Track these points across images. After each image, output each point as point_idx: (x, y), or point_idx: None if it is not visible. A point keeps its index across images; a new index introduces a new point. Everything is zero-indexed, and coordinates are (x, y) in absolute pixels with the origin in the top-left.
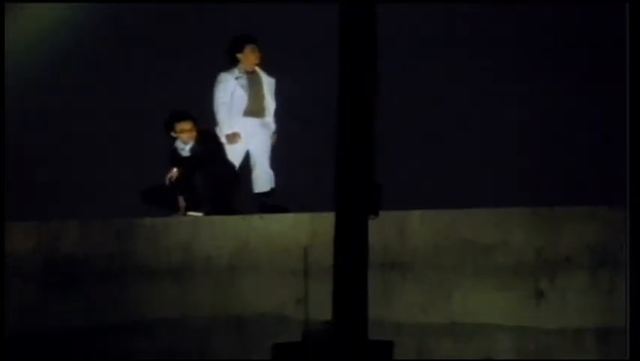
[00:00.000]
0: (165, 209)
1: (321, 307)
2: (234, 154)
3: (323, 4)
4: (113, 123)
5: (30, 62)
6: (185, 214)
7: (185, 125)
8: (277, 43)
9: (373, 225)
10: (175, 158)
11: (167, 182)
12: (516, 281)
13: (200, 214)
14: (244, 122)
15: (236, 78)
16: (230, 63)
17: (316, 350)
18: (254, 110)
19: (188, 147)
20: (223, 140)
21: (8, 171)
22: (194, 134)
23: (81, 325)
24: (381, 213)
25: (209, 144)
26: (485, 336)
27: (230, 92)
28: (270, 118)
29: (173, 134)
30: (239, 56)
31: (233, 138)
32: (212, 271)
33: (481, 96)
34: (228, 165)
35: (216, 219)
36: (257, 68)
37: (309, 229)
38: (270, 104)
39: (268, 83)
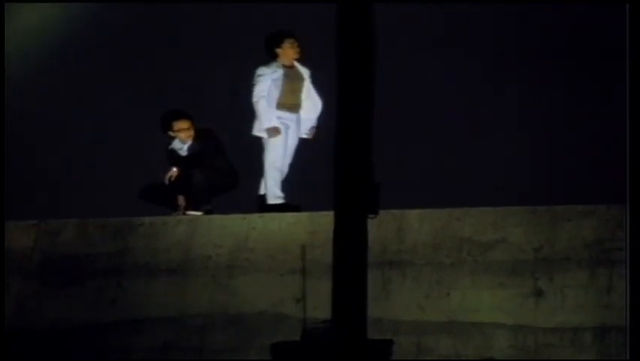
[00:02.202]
0: (164, 208)
1: (320, 306)
2: (275, 148)
3: (322, 4)
4: (112, 122)
5: (29, 62)
6: (184, 213)
7: (183, 124)
8: None
9: (372, 223)
10: (173, 157)
11: (166, 181)
12: (514, 279)
13: (199, 213)
14: (280, 115)
15: (273, 72)
16: (269, 58)
17: (315, 349)
18: (289, 104)
19: (186, 146)
20: (263, 134)
21: (7, 170)
22: (192, 133)
23: (79, 323)
24: (380, 211)
25: (208, 142)
26: (484, 334)
27: (267, 86)
28: (307, 114)
29: (170, 133)
30: (277, 50)
31: (273, 131)
32: (211, 269)
33: (479, 95)
34: (228, 163)
35: (215, 218)
36: (296, 63)
37: (309, 228)
38: (309, 98)
39: (309, 77)
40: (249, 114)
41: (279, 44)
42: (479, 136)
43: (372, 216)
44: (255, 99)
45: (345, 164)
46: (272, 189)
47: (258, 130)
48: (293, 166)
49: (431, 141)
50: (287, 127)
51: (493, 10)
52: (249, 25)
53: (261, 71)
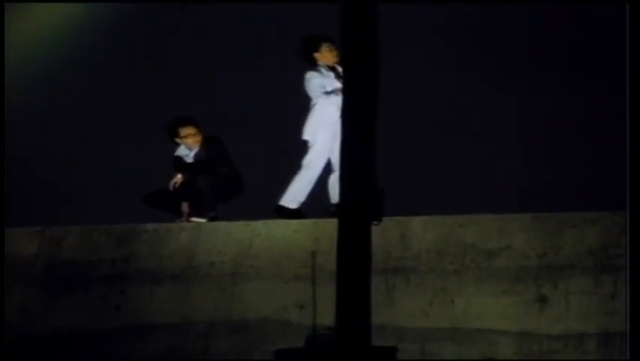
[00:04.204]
0: (168, 214)
1: (325, 313)
2: (320, 155)
3: (324, 4)
4: (115, 127)
5: (32, 64)
6: (188, 220)
7: (190, 130)
8: (278, 43)
9: (376, 230)
10: (179, 164)
11: (170, 187)
12: (519, 286)
13: (203, 220)
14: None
15: (322, 75)
16: (307, 63)
17: (319, 355)
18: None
19: (192, 153)
20: (308, 137)
21: (10, 176)
22: (199, 138)
23: (83, 329)
24: (383, 218)
25: (214, 149)
26: (488, 341)
27: (323, 85)
28: None
29: (177, 140)
30: (316, 55)
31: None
32: (215, 276)
33: (482, 101)
34: (233, 169)
35: (219, 224)
36: (336, 66)
37: (313, 235)
38: None
39: None
40: (257, 120)
41: (316, 48)
42: (483, 142)
43: (376, 223)
44: (315, 96)
45: (348, 170)
46: (297, 192)
47: (308, 132)
48: (295, 172)
49: (435, 147)
50: (337, 135)
51: (492, 11)
52: (250, 25)
53: (310, 75)
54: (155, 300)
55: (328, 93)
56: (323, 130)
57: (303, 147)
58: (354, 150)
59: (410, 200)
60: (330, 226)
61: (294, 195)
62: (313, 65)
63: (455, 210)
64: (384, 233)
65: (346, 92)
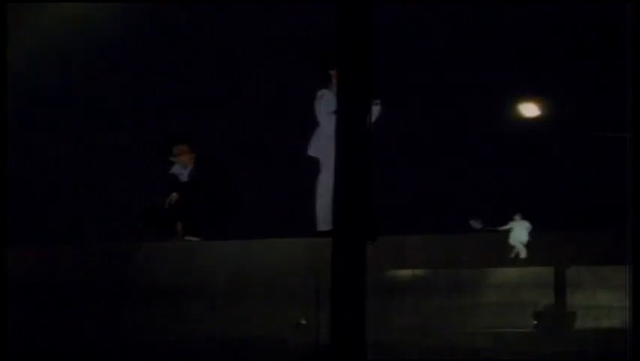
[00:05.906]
0: (163, 233)
1: (320, 331)
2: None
3: (324, 4)
4: (114, 147)
5: (34, 70)
6: (182, 239)
7: (184, 148)
8: (279, 43)
9: (371, 249)
10: (174, 183)
11: (166, 206)
12: (515, 303)
13: (197, 239)
14: None
15: (335, 94)
16: (323, 79)
17: None
18: None
19: (187, 172)
20: (319, 154)
21: (8, 194)
22: (193, 156)
23: (79, 346)
24: (380, 237)
25: (209, 169)
26: (485, 358)
27: (334, 105)
28: None
29: (172, 158)
30: (331, 72)
31: None
32: (210, 295)
33: (482, 116)
34: (230, 189)
35: (214, 243)
36: None
37: (308, 254)
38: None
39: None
40: (256, 136)
41: (332, 66)
42: (481, 162)
43: (371, 242)
44: (321, 117)
45: (344, 190)
46: (325, 214)
47: (314, 151)
48: (293, 190)
49: (431, 165)
50: None
51: (491, 14)
52: (251, 26)
53: (322, 92)
54: (150, 318)
55: (329, 114)
56: (333, 148)
57: (302, 165)
58: (350, 170)
59: (406, 219)
60: (325, 246)
61: (324, 215)
62: (327, 82)
63: (452, 228)
64: (381, 252)
65: (341, 98)
